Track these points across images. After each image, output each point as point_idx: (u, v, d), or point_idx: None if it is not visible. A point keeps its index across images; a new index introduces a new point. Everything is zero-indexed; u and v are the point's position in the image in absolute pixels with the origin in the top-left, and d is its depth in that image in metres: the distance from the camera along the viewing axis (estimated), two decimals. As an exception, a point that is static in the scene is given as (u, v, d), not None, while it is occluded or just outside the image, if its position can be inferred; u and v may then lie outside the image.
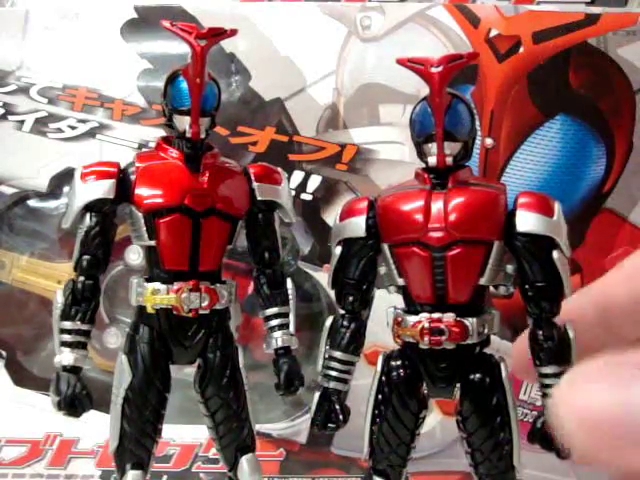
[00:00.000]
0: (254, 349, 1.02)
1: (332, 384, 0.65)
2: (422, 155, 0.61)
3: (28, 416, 1.07)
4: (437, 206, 0.58)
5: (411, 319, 0.61)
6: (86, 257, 0.72)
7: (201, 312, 0.72)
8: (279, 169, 0.80)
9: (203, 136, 0.71)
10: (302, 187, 1.08)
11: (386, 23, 1.09)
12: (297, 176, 1.08)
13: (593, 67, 1.10)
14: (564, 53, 1.08)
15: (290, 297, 0.79)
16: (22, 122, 1.08)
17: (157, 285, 0.72)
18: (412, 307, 0.62)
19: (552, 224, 0.59)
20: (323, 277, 1.08)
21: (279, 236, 0.80)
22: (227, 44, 1.06)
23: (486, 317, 0.62)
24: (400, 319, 0.62)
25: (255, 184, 0.76)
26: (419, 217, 0.58)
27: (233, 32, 0.68)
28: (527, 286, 0.60)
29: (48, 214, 1.10)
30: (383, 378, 0.64)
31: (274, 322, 0.78)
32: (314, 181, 1.08)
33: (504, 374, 0.63)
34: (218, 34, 0.67)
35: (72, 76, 1.09)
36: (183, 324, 0.73)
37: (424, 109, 0.59)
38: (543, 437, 0.60)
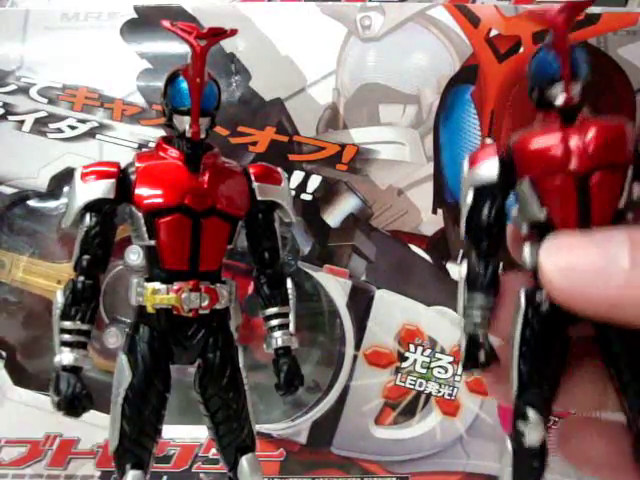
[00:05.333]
0: (254, 349, 1.01)
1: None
2: (543, 101, 0.61)
3: (28, 416, 1.07)
4: (574, 137, 0.58)
5: None
6: (86, 257, 0.72)
7: (201, 312, 0.72)
8: (279, 169, 0.79)
9: (203, 136, 0.71)
10: (302, 187, 1.08)
11: (386, 23, 1.09)
12: (297, 176, 1.08)
13: (593, 67, 1.09)
14: (564, 53, 1.08)
15: (290, 297, 0.79)
16: (22, 122, 1.08)
17: (157, 285, 0.72)
18: None
19: None
20: (323, 277, 1.08)
21: (279, 236, 0.80)
22: (227, 44, 1.06)
23: None
24: None
25: (255, 184, 0.76)
26: (558, 148, 0.58)
27: (233, 32, 0.68)
28: None
29: (48, 214, 1.10)
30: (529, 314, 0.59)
31: (274, 322, 0.78)
32: (314, 181, 1.08)
33: None
34: (218, 34, 0.67)
35: (72, 76, 1.09)
36: (183, 324, 0.73)
37: (546, 54, 0.60)
38: None
